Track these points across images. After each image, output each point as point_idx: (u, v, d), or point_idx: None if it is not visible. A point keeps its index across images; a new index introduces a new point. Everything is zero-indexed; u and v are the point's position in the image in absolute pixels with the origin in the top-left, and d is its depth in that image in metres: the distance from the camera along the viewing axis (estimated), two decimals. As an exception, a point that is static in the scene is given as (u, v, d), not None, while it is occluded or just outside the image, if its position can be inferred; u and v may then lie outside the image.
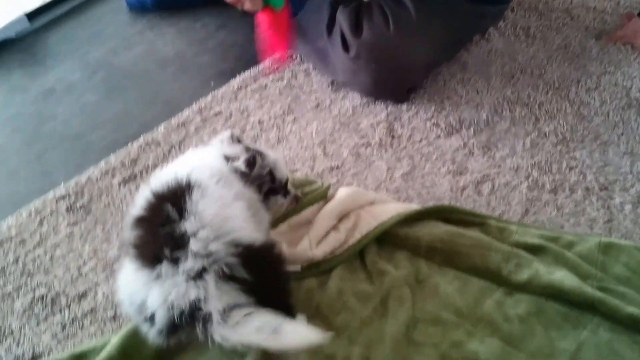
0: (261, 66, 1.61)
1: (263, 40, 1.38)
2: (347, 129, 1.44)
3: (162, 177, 0.93)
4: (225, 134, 1.08)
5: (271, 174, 1.06)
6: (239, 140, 1.09)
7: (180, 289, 0.81)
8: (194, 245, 0.83)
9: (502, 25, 1.73)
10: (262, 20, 1.35)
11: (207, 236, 0.84)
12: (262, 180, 1.05)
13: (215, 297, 0.81)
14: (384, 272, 1.09)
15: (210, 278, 0.82)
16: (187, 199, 0.88)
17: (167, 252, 0.83)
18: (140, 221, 0.90)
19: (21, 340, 1.08)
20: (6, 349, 1.07)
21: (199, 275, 0.82)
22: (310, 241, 1.12)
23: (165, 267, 0.83)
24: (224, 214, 0.88)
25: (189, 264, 0.82)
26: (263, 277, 0.87)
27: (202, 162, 0.99)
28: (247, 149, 1.06)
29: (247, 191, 1.00)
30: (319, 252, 1.10)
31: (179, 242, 0.84)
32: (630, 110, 1.42)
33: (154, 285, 0.83)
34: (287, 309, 0.89)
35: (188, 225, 0.85)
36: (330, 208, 1.16)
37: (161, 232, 0.86)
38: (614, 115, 1.41)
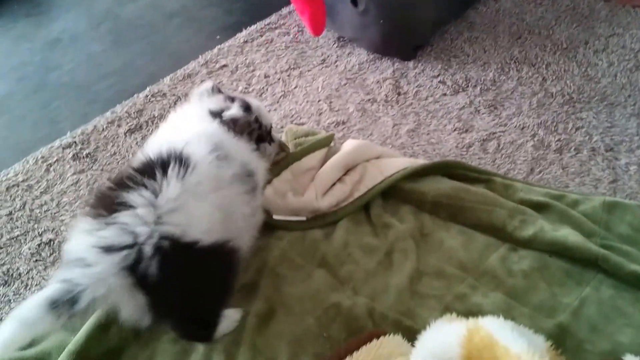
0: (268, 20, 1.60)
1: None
2: (353, 85, 1.44)
3: (155, 145, 0.89)
4: (204, 85, 1.04)
5: (257, 120, 1.04)
6: (219, 90, 1.06)
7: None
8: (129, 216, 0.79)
9: (511, -15, 1.72)
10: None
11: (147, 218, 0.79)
12: (252, 127, 1.03)
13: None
14: (389, 225, 1.10)
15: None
16: (162, 176, 0.82)
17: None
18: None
19: (29, 284, 1.09)
20: (15, 291, 1.08)
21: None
22: (316, 192, 1.12)
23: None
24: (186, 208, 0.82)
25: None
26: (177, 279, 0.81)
27: (192, 131, 0.93)
28: (230, 98, 1.04)
29: (242, 148, 0.96)
30: (325, 203, 1.11)
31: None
32: (637, 72, 1.41)
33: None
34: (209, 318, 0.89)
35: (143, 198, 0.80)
36: (337, 159, 1.17)
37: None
38: (622, 77, 1.41)
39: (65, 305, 0.74)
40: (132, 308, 0.80)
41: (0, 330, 0.74)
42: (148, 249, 0.77)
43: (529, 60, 1.48)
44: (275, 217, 1.10)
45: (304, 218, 1.11)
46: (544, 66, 1.46)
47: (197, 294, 0.85)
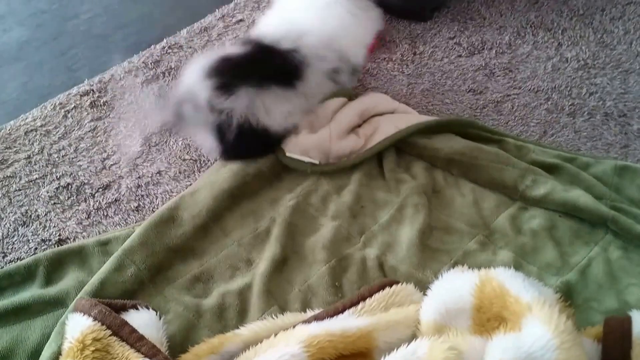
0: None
1: None
2: (369, 43, 1.44)
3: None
4: None
5: None
6: None
7: None
8: None
9: (530, -51, 1.71)
10: None
11: None
12: None
13: None
14: (402, 180, 1.11)
15: None
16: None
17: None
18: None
19: (47, 225, 1.11)
20: (33, 231, 1.10)
21: None
22: (330, 133, 1.13)
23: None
24: None
25: None
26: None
27: None
28: None
29: None
30: (338, 147, 1.12)
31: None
32: (654, 40, 1.42)
33: None
34: None
35: None
36: (353, 104, 1.18)
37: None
38: (637, 45, 1.41)
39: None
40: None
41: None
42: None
43: (545, 25, 1.48)
44: (288, 154, 1.12)
45: (316, 161, 1.12)
46: (559, 31, 1.46)
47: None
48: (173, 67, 1.39)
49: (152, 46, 1.45)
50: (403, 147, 1.16)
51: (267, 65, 1.11)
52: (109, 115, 1.29)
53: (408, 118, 1.18)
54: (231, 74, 1.08)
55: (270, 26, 1.18)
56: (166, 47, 1.44)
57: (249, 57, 1.11)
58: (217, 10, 1.56)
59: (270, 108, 1.08)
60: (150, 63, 1.40)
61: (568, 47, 1.42)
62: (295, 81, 1.12)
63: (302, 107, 1.14)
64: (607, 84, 1.32)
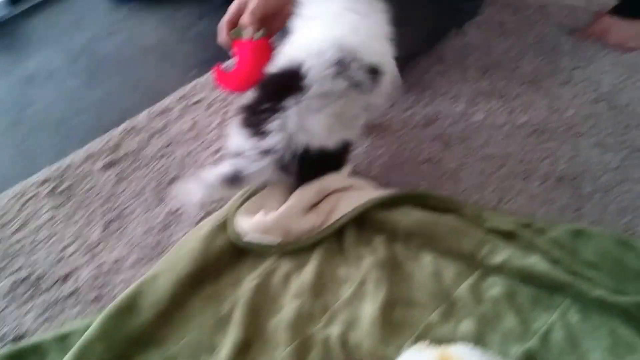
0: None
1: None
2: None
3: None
4: None
5: None
6: None
7: None
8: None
9: (478, 20, 1.77)
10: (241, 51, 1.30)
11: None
12: None
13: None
14: (362, 255, 1.12)
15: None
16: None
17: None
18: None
19: (5, 321, 1.09)
20: (-11, 329, 1.08)
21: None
22: (289, 213, 1.13)
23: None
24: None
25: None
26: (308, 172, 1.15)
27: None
28: None
29: None
30: (297, 226, 1.13)
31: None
32: (600, 103, 1.46)
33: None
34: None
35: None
36: (311, 184, 1.19)
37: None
38: (585, 109, 1.45)
39: (234, 182, 1.08)
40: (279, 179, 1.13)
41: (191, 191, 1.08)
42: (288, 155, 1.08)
43: (497, 93, 1.52)
44: (246, 237, 1.12)
45: (276, 241, 1.12)
46: (511, 98, 1.50)
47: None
48: (132, 150, 1.40)
49: (111, 130, 1.46)
50: (362, 221, 1.17)
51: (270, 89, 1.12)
52: (67, 203, 1.29)
53: (365, 193, 1.19)
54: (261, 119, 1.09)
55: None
56: (125, 131, 1.45)
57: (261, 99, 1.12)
58: (176, 91, 1.58)
59: (304, 127, 1.08)
60: (109, 148, 1.41)
61: (519, 113, 1.46)
62: (300, 83, 1.09)
63: (339, 114, 1.12)
64: (558, 148, 1.36)
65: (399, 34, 1.48)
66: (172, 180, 1.32)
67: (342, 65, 1.08)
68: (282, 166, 1.09)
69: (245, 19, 1.26)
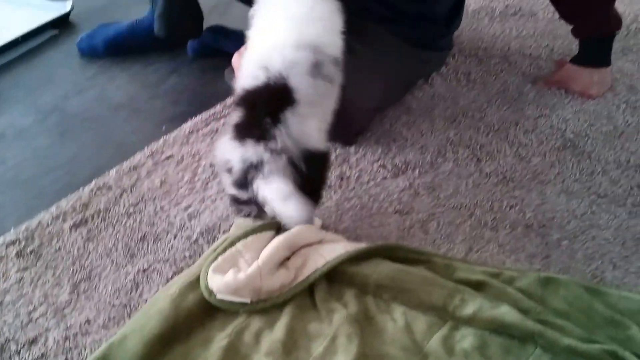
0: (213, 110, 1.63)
1: None
2: (297, 172, 1.47)
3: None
4: None
5: None
6: None
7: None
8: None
9: (444, 71, 1.82)
10: None
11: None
12: None
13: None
14: (334, 310, 1.12)
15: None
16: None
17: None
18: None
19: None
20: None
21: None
22: (260, 271, 1.13)
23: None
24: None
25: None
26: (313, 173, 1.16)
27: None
28: None
29: None
30: (269, 283, 1.12)
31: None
32: (565, 150, 1.50)
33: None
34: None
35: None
36: (280, 238, 1.18)
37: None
38: (550, 156, 1.48)
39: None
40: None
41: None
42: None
43: (464, 142, 1.55)
44: (218, 296, 1.11)
45: (247, 300, 1.11)
46: (478, 147, 1.53)
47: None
48: (102, 208, 1.39)
49: (81, 188, 1.45)
50: (333, 275, 1.17)
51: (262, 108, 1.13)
52: (36, 264, 1.28)
53: (336, 247, 1.19)
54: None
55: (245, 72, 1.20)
56: (95, 189, 1.45)
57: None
58: (146, 147, 1.58)
59: (303, 133, 1.13)
60: (79, 206, 1.40)
61: (487, 162, 1.48)
62: (291, 96, 1.13)
63: (323, 113, 1.21)
64: (525, 195, 1.38)
65: (369, 86, 1.51)
66: (142, 238, 1.32)
67: (318, 66, 1.15)
68: (295, 168, 1.11)
69: None
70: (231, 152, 1.13)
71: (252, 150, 1.10)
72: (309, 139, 1.13)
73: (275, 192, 1.11)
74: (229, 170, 1.14)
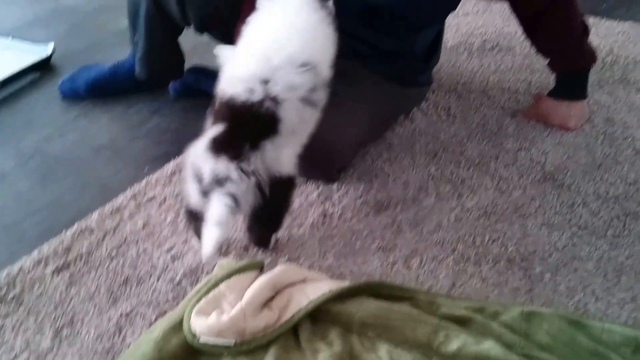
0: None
1: None
2: (280, 211, 1.47)
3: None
4: None
5: None
6: None
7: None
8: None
9: (424, 106, 1.84)
10: None
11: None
12: None
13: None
14: (319, 349, 1.11)
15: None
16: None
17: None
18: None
19: None
20: None
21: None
22: (244, 312, 1.12)
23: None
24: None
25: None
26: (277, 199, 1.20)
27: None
28: None
29: None
30: (253, 325, 1.11)
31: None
32: (545, 183, 1.51)
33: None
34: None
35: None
36: (264, 279, 1.18)
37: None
38: (531, 189, 1.50)
39: (236, 208, 1.10)
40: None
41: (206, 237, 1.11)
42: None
43: (445, 177, 1.56)
44: (202, 339, 1.10)
45: (232, 342, 1.10)
46: (459, 182, 1.54)
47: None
48: (84, 252, 1.38)
49: (63, 232, 1.44)
50: (317, 315, 1.16)
51: (245, 130, 1.15)
52: (17, 310, 1.26)
53: (319, 287, 1.19)
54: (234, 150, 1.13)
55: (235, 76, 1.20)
56: (77, 232, 1.44)
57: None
58: (128, 189, 1.58)
59: (277, 160, 1.16)
60: (61, 250, 1.39)
61: (468, 196, 1.49)
62: (277, 127, 1.15)
63: (300, 140, 1.23)
64: (507, 229, 1.39)
65: (350, 125, 1.53)
66: (125, 281, 1.30)
67: (312, 91, 1.18)
68: (260, 190, 1.13)
69: None
70: (203, 162, 1.13)
71: (223, 166, 1.11)
72: (280, 166, 1.16)
73: (211, 213, 1.11)
74: (199, 179, 1.14)
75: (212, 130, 1.16)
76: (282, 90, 1.14)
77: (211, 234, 1.09)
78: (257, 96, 1.13)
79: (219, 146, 1.13)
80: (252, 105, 1.13)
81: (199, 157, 1.14)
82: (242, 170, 1.11)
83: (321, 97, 1.22)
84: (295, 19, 1.25)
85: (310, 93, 1.18)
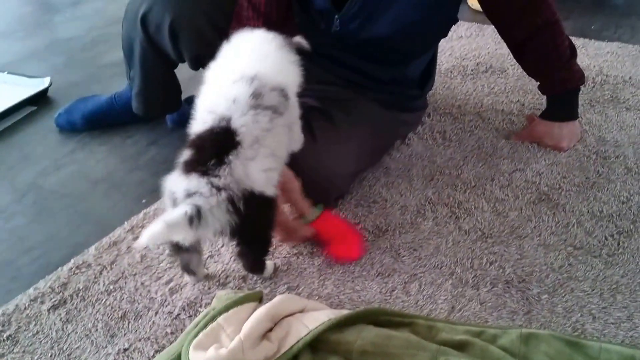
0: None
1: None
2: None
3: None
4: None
5: None
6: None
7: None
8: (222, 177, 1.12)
9: (420, 130, 1.85)
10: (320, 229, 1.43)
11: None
12: None
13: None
14: (318, 380, 1.10)
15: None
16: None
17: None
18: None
19: None
20: None
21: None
22: (243, 345, 1.11)
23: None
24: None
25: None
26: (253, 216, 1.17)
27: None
28: None
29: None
30: (251, 357, 1.10)
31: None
32: (540, 204, 1.52)
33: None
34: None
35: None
36: (262, 310, 1.17)
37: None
38: (527, 210, 1.50)
39: (194, 220, 1.08)
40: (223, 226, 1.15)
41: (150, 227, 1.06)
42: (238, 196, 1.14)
43: (442, 200, 1.56)
44: None
45: None
46: (456, 205, 1.54)
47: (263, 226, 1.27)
48: (81, 288, 1.38)
49: (60, 268, 1.44)
50: (317, 344, 1.16)
51: (208, 147, 1.16)
52: (13, 350, 1.24)
53: (318, 316, 1.18)
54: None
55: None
56: (74, 268, 1.43)
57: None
58: (126, 222, 1.58)
59: (247, 174, 1.15)
60: (57, 287, 1.38)
61: (465, 219, 1.49)
62: (234, 139, 1.15)
63: (270, 151, 1.20)
64: (504, 251, 1.39)
65: (347, 152, 1.53)
66: (123, 316, 1.30)
67: (257, 97, 1.17)
68: (234, 206, 1.13)
69: (302, 206, 1.42)
70: (176, 185, 1.15)
71: (194, 182, 1.12)
72: (252, 182, 1.15)
73: (167, 213, 1.11)
74: (174, 202, 1.15)
75: (182, 157, 1.18)
76: (226, 106, 1.17)
77: (154, 227, 1.07)
78: (208, 123, 1.17)
79: (188, 166, 1.15)
80: (206, 131, 1.17)
81: (173, 182, 1.16)
82: (212, 185, 1.11)
83: (274, 100, 1.21)
84: (247, 45, 1.31)
85: (254, 99, 1.17)
